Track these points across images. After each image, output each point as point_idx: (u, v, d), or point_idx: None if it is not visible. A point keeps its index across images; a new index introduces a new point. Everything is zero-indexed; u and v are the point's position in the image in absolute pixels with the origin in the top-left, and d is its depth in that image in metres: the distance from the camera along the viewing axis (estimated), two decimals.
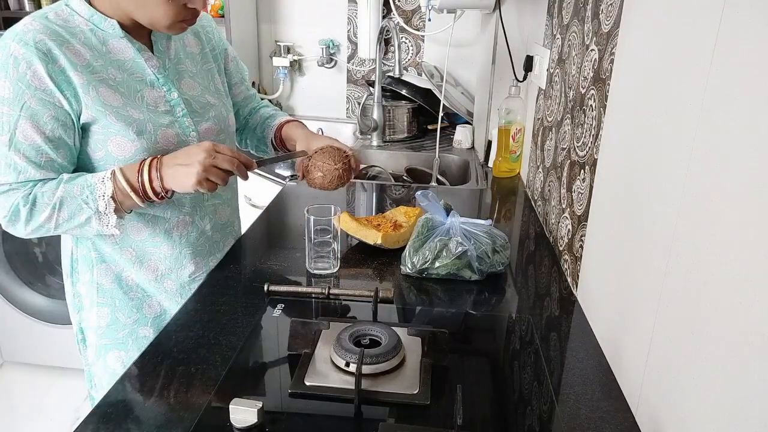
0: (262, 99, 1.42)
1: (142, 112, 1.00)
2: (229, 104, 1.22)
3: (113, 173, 0.97)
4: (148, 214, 1.08)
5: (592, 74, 1.11)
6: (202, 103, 1.11)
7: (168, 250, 1.12)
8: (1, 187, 0.95)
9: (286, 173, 1.97)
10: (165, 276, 1.13)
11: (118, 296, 1.11)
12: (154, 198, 0.99)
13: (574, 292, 1.12)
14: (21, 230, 0.98)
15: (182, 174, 0.96)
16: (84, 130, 0.98)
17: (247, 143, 1.38)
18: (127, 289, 1.12)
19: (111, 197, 0.96)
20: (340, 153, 1.13)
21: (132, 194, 0.97)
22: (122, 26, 0.99)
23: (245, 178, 1.03)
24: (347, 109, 2.64)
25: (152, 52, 1.04)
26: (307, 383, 0.82)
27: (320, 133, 2.39)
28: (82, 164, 1.01)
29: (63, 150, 0.96)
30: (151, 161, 0.98)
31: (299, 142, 1.20)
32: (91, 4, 0.98)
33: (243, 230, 1.37)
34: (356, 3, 2.42)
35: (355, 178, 1.95)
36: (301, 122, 1.30)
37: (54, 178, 0.97)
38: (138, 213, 1.07)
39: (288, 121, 1.29)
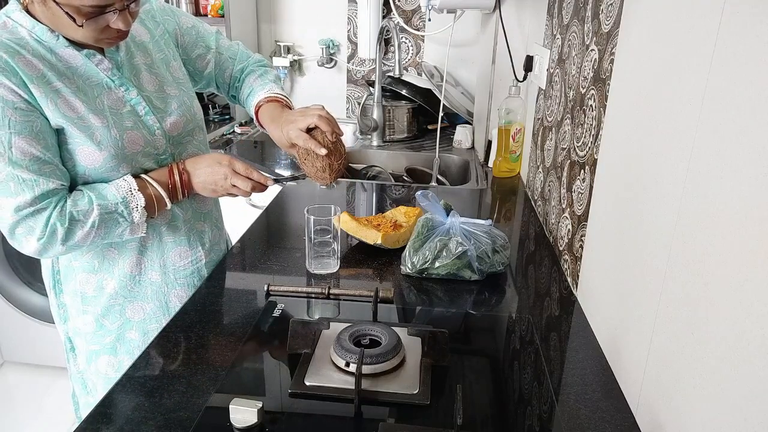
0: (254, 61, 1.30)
1: (105, 118, 0.98)
2: (191, 91, 1.17)
3: (142, 182, 1.01)
4: None
5: (592, 74, 1.11)
6: (163, 97, 1.08)
7: (148, 240, 1.10)
8: (27, 209, 0.92)
9: (286, 173, 1.97)
10: (149, 267, 1.12)
11: (101, 303, 1.10)
12: (181, 198, 1.09)
13: (574, 292, 1.12)
14: (55, 250, 0.96)
15: (208, 190, 1.09)
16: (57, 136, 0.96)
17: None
18: (110, 295, 1.10)
19: (144, 207, 1.01)
20: (316, 146, 1.08)
21: (166, 198, 1.05)
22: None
23: (263, 191, 1.13)
24: (347, 109, 2.64)
25: (103, 54, 1.00)
26: (307, 383, 0.82)
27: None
28: None
29: (58, 156, 0.95)
30: (177, 167, 1.07)
31: (274, 138, 1.16)
32: (31, 15, 0.93)
33: (226, 221, 1.34)
34: (356, 3, 2.42)
35: (354, 178, 1.97)
36: (273, 101, 1.20)
37: (64, 185, 0.95)
38: None
39: (261, 105, 1.20)
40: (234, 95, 1.31)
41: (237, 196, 1.11)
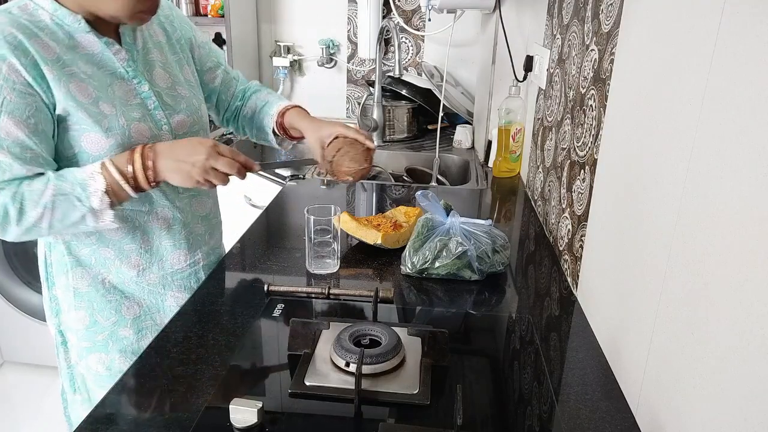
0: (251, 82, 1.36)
1: (114, 107, 0.99)
2: (200, 95, 1.19)
3: (103, 166, 0.95)
4: (124, 209, 1.05)
5: (592, 74, 1.11)
6: (173, 95, 1.10)
7: (147, 243, 1.10)
8: None
9: (286, 173, 1.97)
10: (147, 269, 1.12)
11: (95, 299, 1.10)
12: (146, 186, 0.98)
13: (574, 292, 1.12)
14: (13, 231, 0.95)
15: (181, 171, 0.97)
16: (58, 124, 0.96)
17: (245, 131, 1.34)
18: (105, 291, 1.10)
19: (104, 192, 0.94)
20: (362, 151, 1.14)
21: (124, 185, 0.95)
22: (87, 20, 0.97)
23: (243, 178, 1.04)
24: (347, 109, 2.64)
25: (120, 45, 1.02)
26: (307, 383, 0.82)
27: None
28: (56, 161, 0.98)
29: (46, 144, 0.95)
30: (142, 149, 0.97)
31: (308, 134, 1.19)
32: None
33: (225, 222, 1.34)
34: (356, 3, 2.42)
35: None
36: (302, 108, 1.25)
37: (40, 173, 0.94)
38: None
39: (288, 108, 1.24)
40: (229, 115, 1.35)
41: (213, 186, 1.01)
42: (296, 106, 1.25)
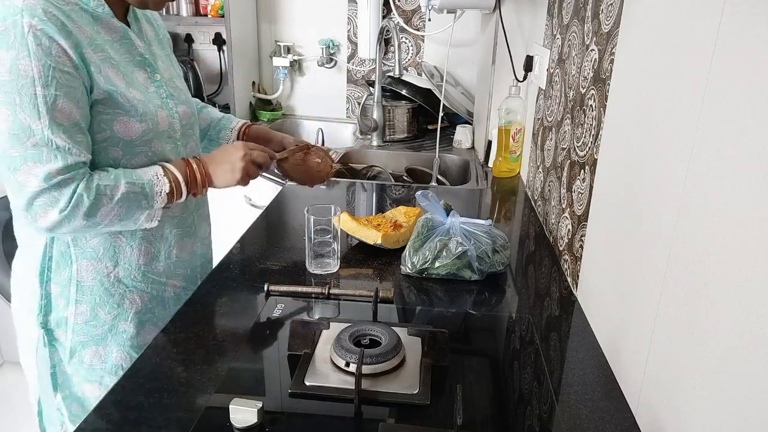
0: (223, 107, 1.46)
1: (141, 93, 1.01)
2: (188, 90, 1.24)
3: (165, 169, 1.02)
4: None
5: (592, 74, 1.11)
6: (174, 87, 1.12)
7: (159, 230, 1.10)
8: (56, 178, 0.89)
9: None
10: (155, 258, 1.12)
11: (98, 293, 1.08)
12: (199, 191, 1.08)
13: (574, 292, 1.12)
14: (74, 224, 0.93)
15: (227, 172, 1.09)
16: (90, 108, 0.96)
17: None
18: (109, 285, 1.08)
19: (168, 193, 1.01)
20: (325, 156, 1.28)
21: (184, 187, 1.04)
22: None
23: (268, 169, 1.18)
24: (347, 109, 2.64)
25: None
26: (307, 383, 0.82)
27: (320, 132, 2.39)
28: None
29: (88, 127, 0.95)
30: (196, 161, 1.07)
31: (282, 138, 1.30)
32: None
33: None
34: (356, 3, 2.42)
35: (354, 178, 1.97)
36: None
37: (89, 158, 0.95)
38: None
39: (251, 124, 1.35)
40: None
41: (249, 180, 1.12)
42: (254, 123, 1.36)
